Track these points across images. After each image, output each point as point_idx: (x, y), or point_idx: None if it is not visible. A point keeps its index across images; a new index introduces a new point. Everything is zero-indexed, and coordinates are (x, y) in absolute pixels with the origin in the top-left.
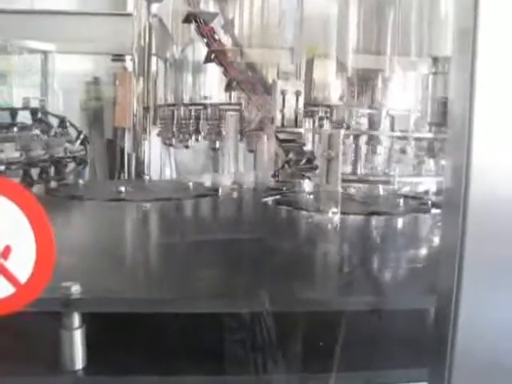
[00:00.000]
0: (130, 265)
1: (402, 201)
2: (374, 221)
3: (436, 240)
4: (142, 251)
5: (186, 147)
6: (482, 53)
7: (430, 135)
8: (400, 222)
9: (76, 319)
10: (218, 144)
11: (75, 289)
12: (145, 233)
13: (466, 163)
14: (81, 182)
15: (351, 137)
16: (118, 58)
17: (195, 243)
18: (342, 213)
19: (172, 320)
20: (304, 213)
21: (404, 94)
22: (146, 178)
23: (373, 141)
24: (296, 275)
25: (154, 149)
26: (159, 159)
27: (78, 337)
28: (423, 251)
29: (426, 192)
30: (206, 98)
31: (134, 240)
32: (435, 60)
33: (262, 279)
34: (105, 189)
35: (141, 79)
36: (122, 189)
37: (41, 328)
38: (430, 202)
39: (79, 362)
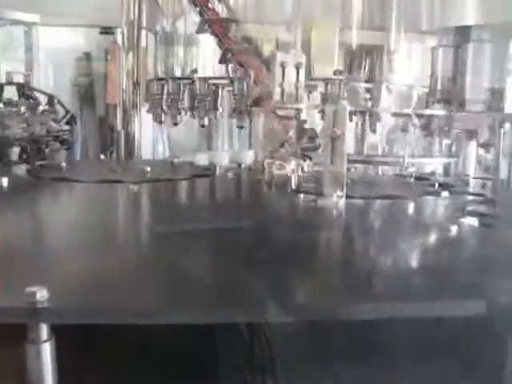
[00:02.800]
0: (111, 262)
1: (413, 183)
2: (388, 206)
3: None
4: (126, 244)
5: (175, 124)
6: None
7: (437, 112)
8: (418, 208)
9: (44, 331)
10: (206, 120)
11: (41, 295)
12: (130, 220)
13: None
14: (63, 163)
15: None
16: (107, 31)
17: (191, 233)
18: (349, 196)
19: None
20: (307, 196)
21: (410, 68)
22: (137, 157)
23: (372, 118)
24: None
25: (146, 126)
26: (152, 137)
27: (47, 352)
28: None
29: (432, 173)
30: (193, 71)
31: (116, 229)
32: (445, 31)
33: (273, 285)
34: (90, 169)
35: (130, 53)
36: (108, 169)
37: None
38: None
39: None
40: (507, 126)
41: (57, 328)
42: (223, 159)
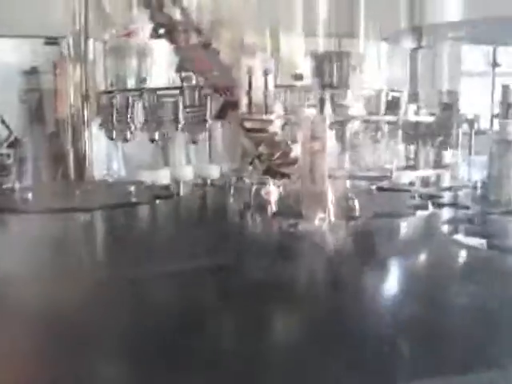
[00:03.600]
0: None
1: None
2: (382, 226)
3: None
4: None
5: (125, 140)
6: None
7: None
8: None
9: None
10: (156, 135)
11: None
12: (63, 266)
13: None
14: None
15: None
16: (52, 41)
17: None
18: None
19: None
20: (287, 221)
21: (386, 72)
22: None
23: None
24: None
25: (100, 143)
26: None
27: None
28: None
29: (411, 183)
30: (142, 81)
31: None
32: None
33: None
34: (33, 195)
35: (77, 65)
36: (48, 196)
37: None
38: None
39: None
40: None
41: None
42: (187, 175)
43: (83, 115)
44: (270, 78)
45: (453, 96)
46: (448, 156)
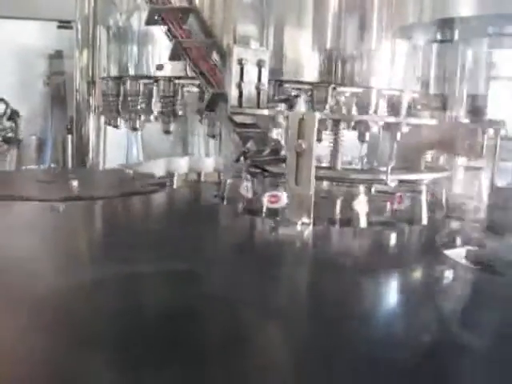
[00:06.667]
0: None
1: None
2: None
3: None
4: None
5: (134, 129)
6: None
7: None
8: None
9: None
10: (171, 126)
11: None
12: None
13: None
14: None
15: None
16: (65, 25)
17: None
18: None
19: None
20: (267, 223)
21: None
22: (93, 164)
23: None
24: None
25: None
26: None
27: None
28: None
29: None
30: (159, 68)
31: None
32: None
33: None
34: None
35: (85, 50)
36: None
37: None
38: None
39: None
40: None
41: None
42: (182, 167)
43: (88, 101)
44: (264, 70)
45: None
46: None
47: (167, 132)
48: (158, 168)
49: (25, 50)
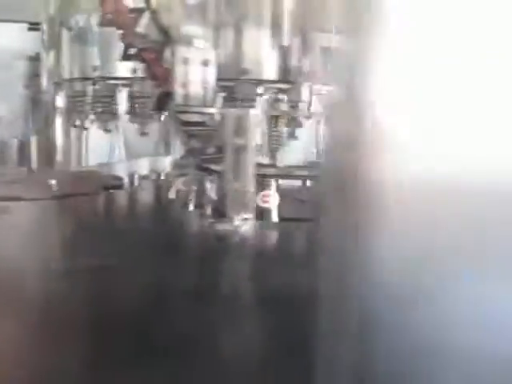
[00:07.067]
0: None
1: None
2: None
3: None
4: None
5: (84, 129)
6: None
7: None
8: None
9: None
10: (109, 125)
11: None
12: None
13: None
14: None
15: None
16: (35, 27)
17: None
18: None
19: None
20: (206, 219)
21: None
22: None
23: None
24: None
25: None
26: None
27: None
28: None
29: None
30: (95, 69)
31: None
32: None
33: None
34: None
35: (51, 52)
36: None
37: None
38: None
39: None
40: None
41: None
42: (143, 168)
43: (53, 102)
44: (211, 69)
45: None
46: None
47: (143, 134)
48: (122, 169)
49: (2, 51)
